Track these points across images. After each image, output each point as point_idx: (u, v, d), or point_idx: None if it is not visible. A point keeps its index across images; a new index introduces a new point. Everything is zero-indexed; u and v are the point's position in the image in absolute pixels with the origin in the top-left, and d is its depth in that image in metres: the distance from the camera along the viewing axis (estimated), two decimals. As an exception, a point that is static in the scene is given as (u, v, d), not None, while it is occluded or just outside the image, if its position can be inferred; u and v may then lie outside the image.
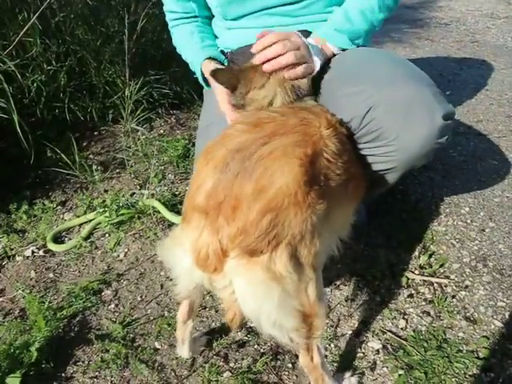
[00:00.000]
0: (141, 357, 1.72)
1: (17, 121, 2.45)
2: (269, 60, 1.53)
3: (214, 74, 1.56)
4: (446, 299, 1.89)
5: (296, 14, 1.86)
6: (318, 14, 1.85)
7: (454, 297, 1.91)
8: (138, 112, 3.03)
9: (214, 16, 2.10)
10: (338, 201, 1.36)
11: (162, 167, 2.84)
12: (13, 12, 2.76)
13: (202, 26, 2.11)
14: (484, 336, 1.75)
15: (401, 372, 1.64)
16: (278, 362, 1.71)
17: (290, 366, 1.70)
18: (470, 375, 1.62)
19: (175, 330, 1.80)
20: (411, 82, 1.47)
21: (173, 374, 1.67)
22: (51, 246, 2.31)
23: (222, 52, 2.07)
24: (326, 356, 1.71)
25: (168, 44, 3.66)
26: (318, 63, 1.62)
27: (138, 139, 3.02)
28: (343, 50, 1.74)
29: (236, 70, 1.59)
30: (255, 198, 1.12)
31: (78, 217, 2.50)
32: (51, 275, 2.16)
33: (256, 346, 1.77)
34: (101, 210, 2.39)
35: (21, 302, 2.01)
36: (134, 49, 2.94)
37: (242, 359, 1.72)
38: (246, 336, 1.80)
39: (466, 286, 1.95)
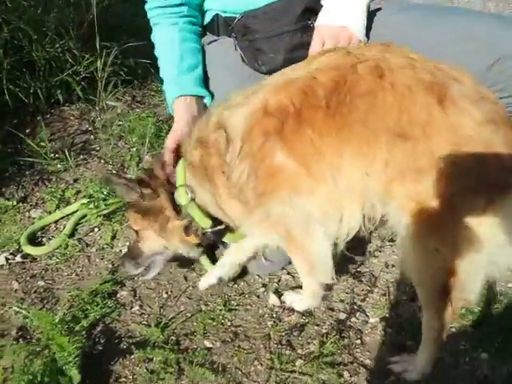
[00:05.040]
0: (194, 360, 1.48)
1: None
2: None
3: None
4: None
5: None
6: None
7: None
8: (115, 84, 2.66)
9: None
10: None
11: (134, 149, 2.51)
12: None
13: (187, 24, 1.87)
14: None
15: (471, 330, 1.59)
16: (346, 340, 1.57)
17: (358, 342, 1.57)
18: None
19: (222, 325, 1.59)
20: None
21: (239, 372, 1.46)
22: (28, 250, 1.92)
23: (217, 17, 1.86)
24: (391, 326, 1.62)
25: (120, 13, 3.26)
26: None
27: (96, 120, 2.65)
28: None
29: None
30: None
31: (50, 213, 2.12)
32: (41, 283, 1.79)
33: (316, 327, 1.61)
34: (84, 202, 2.04)
35: (15, 320, 1.64)
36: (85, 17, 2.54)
37: (308, 343, 1.56)
38: (302, 318, 1.64)
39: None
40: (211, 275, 1.68)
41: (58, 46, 2.59)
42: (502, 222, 1.25)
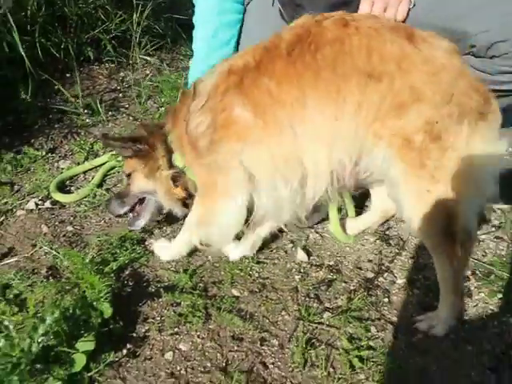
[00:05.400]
0: (222, 306, 1.48)
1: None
2: None
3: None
4: (512, 223, 1.85)
5: None
6: None
7: (520, 220, 1.87)
8: (145, 44, 2.66)
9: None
10: None
11: (162, 108, 2.50)
12: None
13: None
14: None
15: (500, 296, 1.57)
16: (373, 297, 1.56)
17: (386, 300, 1.56)
18: None
19: (249, 276, 1.60)
20: None
21: (267, 320, 1.46)
22: (58, 197, 1.93)
23: None
24: (418, 288, 1.60)
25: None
26: None
27: (124, 80, 2.65)
28: None
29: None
30: None
31: (79, 164, 2.13)
32: (70, 228, 1.81)
33: (344, 284, 1.60)
34: (114, 153, 2.04)
35: (45, 260, 1.65)
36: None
37: (336, 298, 1.55)
38: (330, 274, 1.63)
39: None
40: (244, 247, 1.67)
41: (90, 1, 2.58)
42: (485, 148, 1.26)
